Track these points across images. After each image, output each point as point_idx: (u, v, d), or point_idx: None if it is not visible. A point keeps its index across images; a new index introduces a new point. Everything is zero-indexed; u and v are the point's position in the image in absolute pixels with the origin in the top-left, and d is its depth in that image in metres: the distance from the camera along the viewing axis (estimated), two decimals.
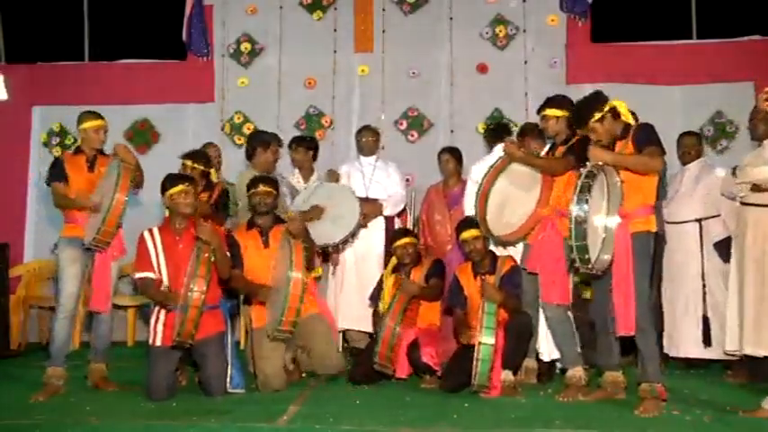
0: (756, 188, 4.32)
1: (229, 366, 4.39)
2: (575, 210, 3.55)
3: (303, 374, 4.79)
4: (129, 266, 6.22)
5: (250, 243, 4.65)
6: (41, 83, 7.27)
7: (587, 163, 3.70)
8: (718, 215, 4.81)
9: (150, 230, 4.45)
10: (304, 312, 4.36)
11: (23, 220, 7.07)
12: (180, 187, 4.35)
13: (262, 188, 4.65)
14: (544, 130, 4.41)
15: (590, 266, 3.66)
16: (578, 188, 3.55)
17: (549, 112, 4.29)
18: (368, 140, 5.69)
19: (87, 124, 4.61)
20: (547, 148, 4.55)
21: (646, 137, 3.77)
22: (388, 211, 5.58)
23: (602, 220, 3.78)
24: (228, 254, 4.45)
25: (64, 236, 4.55)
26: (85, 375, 4.57)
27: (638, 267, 3.76)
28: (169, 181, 4.42)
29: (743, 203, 4.42)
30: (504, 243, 4.59)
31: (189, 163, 4.96)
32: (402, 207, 5.77)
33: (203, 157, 5.08)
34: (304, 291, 4.22)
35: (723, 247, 4.68)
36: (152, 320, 4.37)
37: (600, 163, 3.66)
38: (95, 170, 4.59)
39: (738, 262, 4.46)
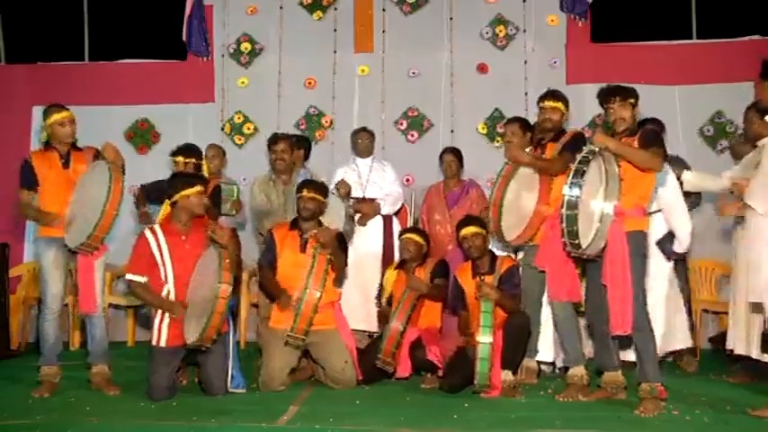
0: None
1: (230, 366, 4.39)
2: (566, 193, 3.57)
3: (312, 376, 4.81)
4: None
5: (288, 243, 4.64)
6: (41, 83, 7.26)
7: (583, 148, 3.72)
8: None
9: (152, 229, 4.37)
10: (322, 326, 4.49)
11: (23, 221, 7.06)
12: (198, 188, 4.33)
13: (305, 193, 4.64)
14: (545, 122, 4.42)
15: (581, 251, 3.67)
16: (572, 172, 3.57)
17: (554, 103, 4.38)
18: (364, 142, 5.71)
19: (54, 117, 4.41)
20: (529, 148, 4.58)
21: (652, 139, 3.84)
22: (385, 210, 5.58)
23: (600, 205, 3.79)
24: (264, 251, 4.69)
25: (41, 236, 4.45)
26: (88, 379, 4.52)
27: (634, 267, 3.77)
28: (184, 181, 4.37)
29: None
30: (515, 247, 4.58)
31: (181, 159, 4.94)
32: (400, 205, 5.77)
33: (195, 150, 5.06)
34: (317, 304, 4.33)
35: (665, 243, 4.68)
36: (156, 321, 4.32)
37: (597, 149, 3.67)
38: (70, 167, 4.43)
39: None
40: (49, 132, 4.45)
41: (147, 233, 4.35)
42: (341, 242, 4.70)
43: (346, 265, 4.74)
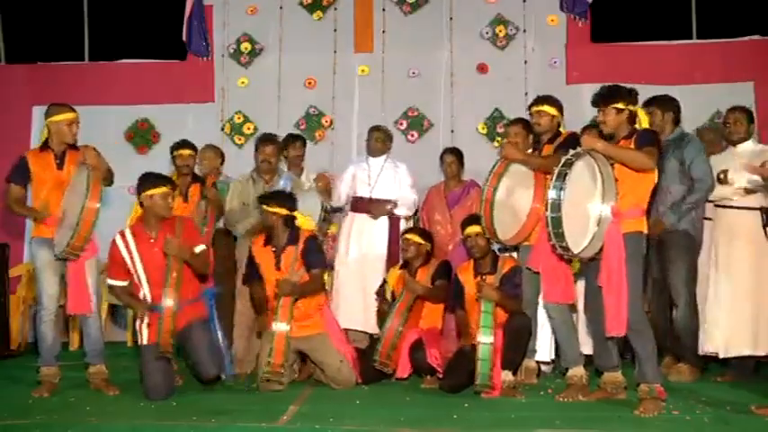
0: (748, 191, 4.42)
1: (223, 348, 4.38)
2: (549, 196, 3.55)
3: (311, 375, 4.81)
4: None
5: (264, 259, 4.60)
6: (41, 83, 7.26)
7: (570, 150, 3.70)
8: None
9: (122, 234, 4.35)
10: (311, 332, 4.52)
11: (23, 220, 7.05)
12: (162, 189, 4.29)
13: (268, 209, 4.56)
14: (535, 126, 4.48)
15: (571, 254, 3.67)
16: (555, 174, 3.56)
17: (548, 108, 4.42)
18: (373, 142, 5.61)
19: (60, 117, 4.35)
20: (529, 150, 4.59)
21: (647, 139, 3.79)
22: (402, 211, 5.52)
23: (597, 208, 3.76)
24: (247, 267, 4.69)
25: (35, 236, 4.40)
26: (86, 379, 4.50)
27: (631, 268, 3.73)
28: (149, 181, 4.33)
29: (724, 207, 4.50)
30: (509, 246, 4.58)
31: (186, 152, 5.21)
32: (413, 212, 5.71)
33: (191, 143, 5.33)
34: (288, 335, 4.35)
35: None
36: (137, 322, 4.37)
37: (581, 151, 3.66)
38: (64, 168, 4.36)
39: (726, 264, 4.53)
40: (52, 131, 4.37)
41: (117, 238, 4.35)
42: (317, 252, 4.60)
43: (318, 287, 4.61)
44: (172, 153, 5.37)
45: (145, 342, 4.30)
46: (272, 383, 4.42)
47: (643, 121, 3.91)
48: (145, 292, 4.34)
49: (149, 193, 4.29)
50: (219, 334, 4.47)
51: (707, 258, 4.72)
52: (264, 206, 4.56)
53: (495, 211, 4.30)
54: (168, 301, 4.14)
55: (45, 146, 4.41)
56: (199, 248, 4.36)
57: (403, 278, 4.80)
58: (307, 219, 4.72)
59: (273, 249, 4.58)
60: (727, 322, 4.57)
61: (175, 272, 4.16)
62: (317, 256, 4.61)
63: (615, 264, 3.72)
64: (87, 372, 4.50)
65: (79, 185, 4.16)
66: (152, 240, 4.32)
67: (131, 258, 4.31)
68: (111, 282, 4.41)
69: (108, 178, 4.42)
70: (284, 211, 4.55)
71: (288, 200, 4.63)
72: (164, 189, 4.30)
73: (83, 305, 4.35)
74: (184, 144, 5.33)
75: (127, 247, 4.32)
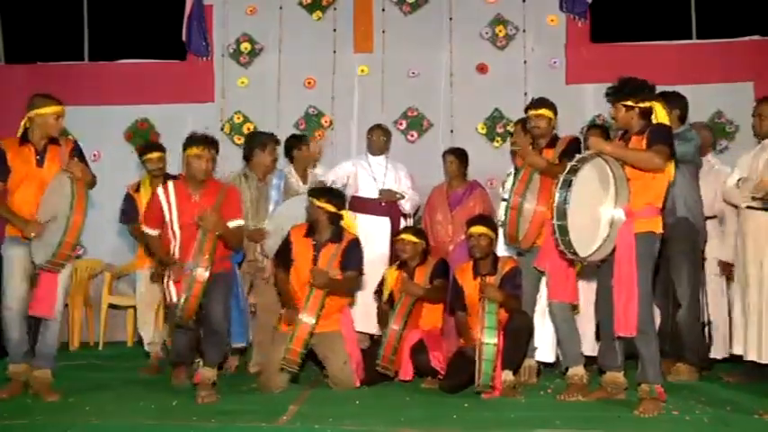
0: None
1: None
2: (555, 203, 3.53)
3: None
4: (128, 266, 6.26)
5: (302, 250, 4.57)
6: (41, 83, 7.24)
7: (576, 154, 3.68)
8: None
9: (165, 186, 4.34)
10: (326, 329, 4.47)
11: None
12: (195, 150, 4.23)
13: (316, 203, 4.53)
14: (534, 130, 4.46)
15: (580, 258, 3.66)
16: (559, 182, 3.54)
17: (546, 112, 4.43)
18: (378, 139, 5.66)
19: (47, 109, 4.16)
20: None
21: (658, 136, 3.71)
22: (406, 206, 5.57)
23: (609, 211, 3.73)
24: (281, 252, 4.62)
25: (9, 235, 4.22)
26: (26, 381, 4.28)
27: (641, 269, 3.70)
28: (189, 140, 4.30)
29: (754, 209, 4.48)
30: (523, 249, 4.56)
31: (155, 155, 5.20)
32: (415, 210, 5.72)
33: (158, 145, 5.34)
34: (312, 330, 4.30)
35: None
36: (165, 281, 4.29)
37: (587, 154, 3.64)
38: (44, 165, 4.17)
39: (742, 266, 4.52)
40: (37, 123, 4.17)
41: (160, 190, 4.34)
42: (356, 255, 4.60)
43: (351, 288, 4.67)
44: (140, 158, 5.32)
45: (174, 299, 4.17)
46: (275, 380, 4.42)
47: (659, 115, 3.81)
48: (175, 246, 4.28)
49: (186, 152, 4.26)
50: (240, 299, 4.42)
51: (737, 260, 4.69)
52: (314, 200, 4.56)
53: (521, 219, 4.28)
54: (200, 271, 4.02)
55: (25, 139, 4.20)
56: (234, 223, 4.32)
57: (401, 280, 4.79)
58: (352, 220, 4.74)
59: (314, 243, 4.57)
60: (757, 327, 4.47)
61: (209, 249, 4.07)
62: (357, 258, 4.60)
63: (626, 264, 3.69)
64: (32, 374, 4.27)
65: (61, 195, 4.02)
66: (193, 201, 4.26)
67: (170, 212, 4.26)
68: (145, 229, 4.39)
69: (92, 183, 4.31)
70: (332, 208, 4.54)
71: (337, 197, 4.64)
72: (196, 150, 4.23)
73: (46, 309, 4.18)
74: (151, 147, 5.29)
75: (167, 198, 4.28)
